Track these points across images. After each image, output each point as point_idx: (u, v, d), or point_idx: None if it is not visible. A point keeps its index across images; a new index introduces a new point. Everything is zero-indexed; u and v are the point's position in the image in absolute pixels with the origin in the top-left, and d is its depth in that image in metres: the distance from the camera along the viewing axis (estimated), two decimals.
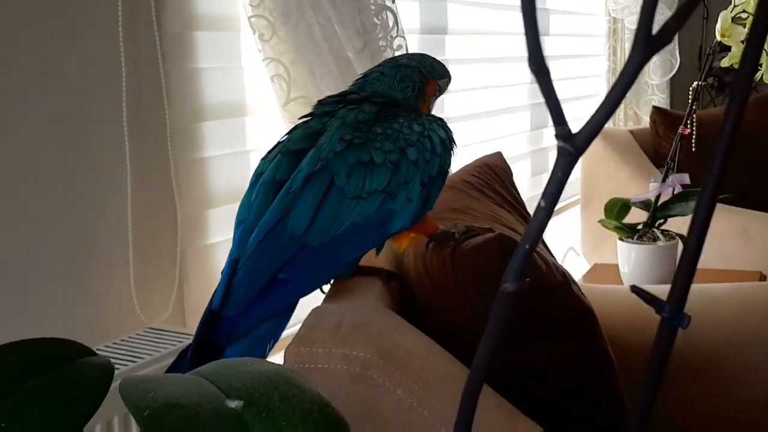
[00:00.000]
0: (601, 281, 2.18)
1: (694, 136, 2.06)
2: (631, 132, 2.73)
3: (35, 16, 1.14)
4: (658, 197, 2.03)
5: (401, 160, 0.90)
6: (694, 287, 1.29)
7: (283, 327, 0.91)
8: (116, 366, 1.13)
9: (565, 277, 0.97)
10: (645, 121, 2.96)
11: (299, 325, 0.85)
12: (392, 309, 0.92)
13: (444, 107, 2.05)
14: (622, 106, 2.90)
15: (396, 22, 1.43)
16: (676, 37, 2.82)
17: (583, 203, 2.75)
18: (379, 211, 0.89)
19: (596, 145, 2.67)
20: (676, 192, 2.04)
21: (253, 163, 1.50)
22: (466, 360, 0.92)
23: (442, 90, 1.08)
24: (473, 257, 0.89)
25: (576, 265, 2.79)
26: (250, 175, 1.52)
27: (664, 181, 2.03)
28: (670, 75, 2.99)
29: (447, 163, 0.96)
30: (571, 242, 2.82)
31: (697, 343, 1.53)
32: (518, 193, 1.43)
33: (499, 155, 1.49)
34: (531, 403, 0.89)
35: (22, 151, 1.14)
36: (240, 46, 1.47)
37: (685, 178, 2.04)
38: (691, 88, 2.03)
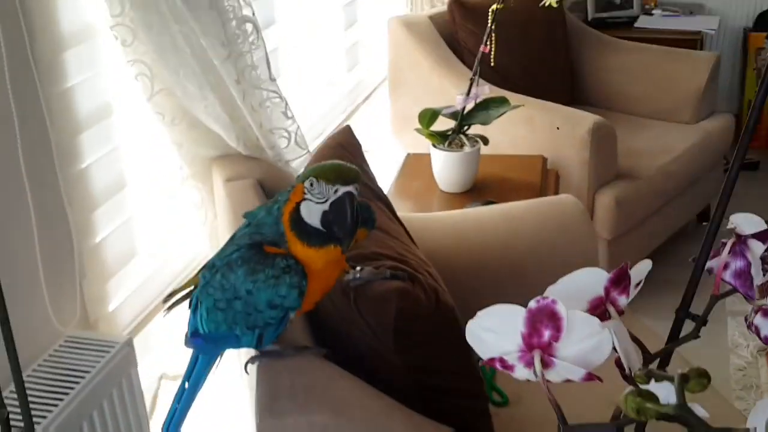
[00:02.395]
0: (416, 174, 2.48)
1: (493, 54, 2.34)
2: (430, 18, 2.97)
3: None
4: (463, 108, 2.34)
5: (228, 308, 1.09)
6: (499, 207, 1.72)
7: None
8: (64, 391, 1.31)
9: (436, 292, 1.26)
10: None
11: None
12: (313, 342, 1.18)
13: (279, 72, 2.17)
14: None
15: (255, 29, 1.56)
16: None
17: (391, 88, 3.00)
18: (227, 331, 1.11)
19: (399, 34, 2.90)
20: (478, 101, 2.36)
21: (124, 156, 1.62)
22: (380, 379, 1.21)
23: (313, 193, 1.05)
24: (374, 303, 1.16)
25: (388, 144, 3.09)
26: (123, 168, 1.64)
27: (468, 94, 2.33)
28: None
29: (274, 319, 1.07)
30: (381, 118, 3.10)
31: (507, 256, 1.90)
32: (369, 169, 1.66)
33: (347, 130, 1.70)
34: (424, 402, 1.20)
35: None
36: (101, 52, 1.54)
37: (486, 89, 2.35)
38: (490, 10, 2.28)
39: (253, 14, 1.57)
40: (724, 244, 0.63)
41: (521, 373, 0.57)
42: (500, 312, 0.59)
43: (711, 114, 3.15)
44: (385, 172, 3.01)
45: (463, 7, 2.91)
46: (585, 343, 0.56)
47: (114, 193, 1.59)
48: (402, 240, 1.44)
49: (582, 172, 2.57)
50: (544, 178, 2.43)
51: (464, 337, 1.34)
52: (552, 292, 0.61)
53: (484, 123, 2.33)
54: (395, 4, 3.16)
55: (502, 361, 0.57)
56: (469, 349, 1.37)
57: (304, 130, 2.42)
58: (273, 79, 1.66)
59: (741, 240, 0.62)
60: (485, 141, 2.39)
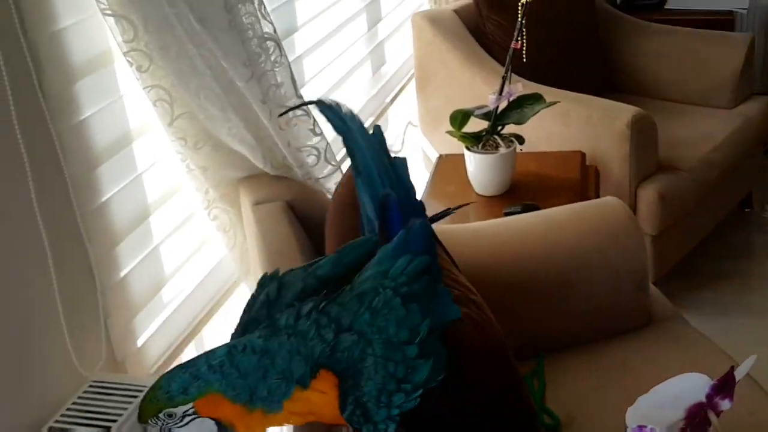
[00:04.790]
0: (450, 177, 2.38)
1: (524, 49, 2.23)
2: (455, 11, 2.86)
3: None
4: (496, 108, 2.23)
5: None
6: (541, 214, 1.60)
7: None
8: None
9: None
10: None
11: None
12: None
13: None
14: None
15: (278, 46, 1.46)
16: None
17: (419, 86, 2.90)
18: None
19: (425, 31, 2.79)
20: (511, 100, 2.25)
21: (147, 183, 1.54)
22: None
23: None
24: None
25: (415, 139, 3.00)
26: (147, 199, 1.56)
27: (501, 93, 2.22)
28: None
29: None
30: (410, 116, 3.00)
31: (552, 266, 1.80)
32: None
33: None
34: None
35: None
36: (116, 77, 1.45)
37: (519, 87, 2.24)
38: (520, 4, 2.17)
39: (274, 30, 1.47)
40: None
41: None
42: None
43: (749, 97, 3.01)
44: (417, 173, 2.93)
45: None
46: None
47: (137, 225, 1.51)
48: (443, 266, 1.34)
49: (622, 167, 2.45)
50: (583, 176, 2.32)
51: (514, 368, 1.26)
52: (646, 401, 0.52)
53: (519, 123, 2.23)
54: None
55: None
56: (520, 380, 1.29)
57: (333, 136, 2.34)
58: (299, 96, 1.56)
59: None
60: (521, 140, 2.29)
